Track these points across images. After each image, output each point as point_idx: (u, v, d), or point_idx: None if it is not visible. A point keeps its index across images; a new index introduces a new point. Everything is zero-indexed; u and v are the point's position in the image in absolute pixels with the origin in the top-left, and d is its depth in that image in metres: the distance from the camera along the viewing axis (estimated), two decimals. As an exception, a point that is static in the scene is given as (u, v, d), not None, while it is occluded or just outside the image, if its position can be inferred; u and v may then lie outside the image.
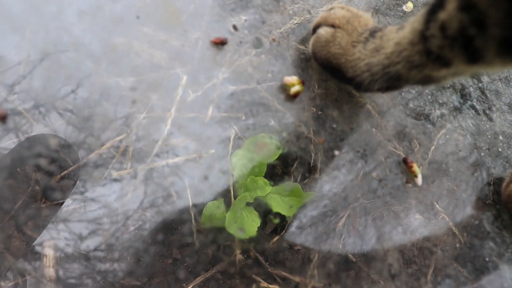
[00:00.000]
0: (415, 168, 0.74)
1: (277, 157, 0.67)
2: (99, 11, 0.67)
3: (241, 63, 0.71)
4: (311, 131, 0.71)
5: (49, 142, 0.59)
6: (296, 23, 0.79)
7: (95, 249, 0.58)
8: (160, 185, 0.61)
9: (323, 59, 0.72)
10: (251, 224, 0.69)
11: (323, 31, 0.72)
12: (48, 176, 0.57)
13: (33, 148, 0.58)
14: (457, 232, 0.76)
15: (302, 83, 0.71)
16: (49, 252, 0.56)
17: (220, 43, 0.70)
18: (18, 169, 0.57)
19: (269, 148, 0.68)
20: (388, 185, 0.73)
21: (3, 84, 0.60)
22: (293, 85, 0.70)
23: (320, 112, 0.73)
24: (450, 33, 0.51)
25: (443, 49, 0.53)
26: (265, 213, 0.66)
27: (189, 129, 0.65)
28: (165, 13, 0.70)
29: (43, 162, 0.58)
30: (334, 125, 0.73)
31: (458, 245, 0.74)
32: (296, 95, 0.71)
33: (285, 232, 0.67)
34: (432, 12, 0.54)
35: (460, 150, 0.82)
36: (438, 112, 0.84)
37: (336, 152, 0.71)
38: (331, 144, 0.71)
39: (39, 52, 0.62)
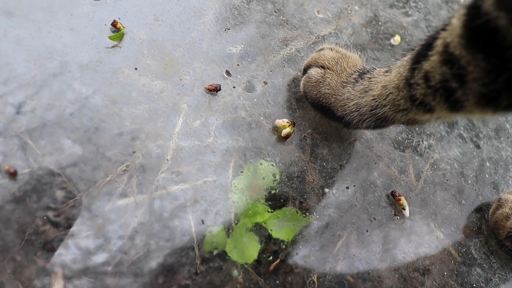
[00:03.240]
0: (403, 201, 0.77)
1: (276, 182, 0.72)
2: (100, 64, 0.71)
3: (234, 108, 0.75)
4: (302, 170, 0.75)
5: (54, 180, 0.64)
6: (287, 65, 0.83)
7: (103, 264, 0.63)
8: (163, 213, 0.66)
9: (313, 99, 0.76)
10: (252, 249, 0.73)
11: (314, 72, 0.76)
12: (56, 208, 0.62)
13: (41, 184, 0.63)
14: (445, 260, 0.79)
15: (293, 124, 0.75)
16: (58, 280, 0.60)
17: (214, 90, 0.74)
18: (27, 199, 0.61)
19: (261, 189, 0.72)
20: (377, 218, 0.77)
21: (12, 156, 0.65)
22: (284, 127, 0.74)
23: (310, 151, 0.77)
24: (433, 83, 0.54)
25: (427, 97, 0.57)
26: (266, 238, 0.71)
27: (185, 175, 0.69)
28: (162, 63, 0.74)
29: (51, 197, 0.63)
30: (324, 163, 0.77)
31: (445, 273, 0.78)
32: (287, 137, 0.75)
33: (285, 256, 0.71)
34: (417, 60, 0.58)
35: (447, 180, 0.86)
36: (425, 143, 0.88)
37: (326, 190, 0.75)
38: (321, 182, 0.75)
39: (44, 107, 0.66)
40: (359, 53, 0.88)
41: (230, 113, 0.75)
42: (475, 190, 0.88)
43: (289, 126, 0.74)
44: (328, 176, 0.76)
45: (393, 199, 0.78)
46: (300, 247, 0.72)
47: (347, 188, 0.76)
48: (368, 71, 0.73)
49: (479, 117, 0.83)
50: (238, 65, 0.78)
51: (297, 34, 0.86)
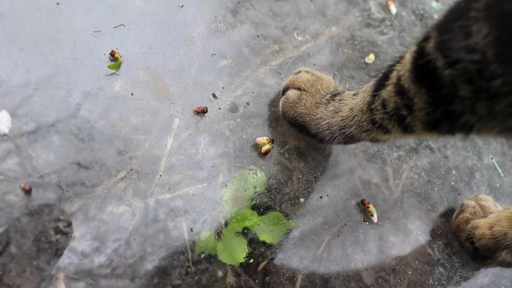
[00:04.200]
0: (371, 208, 0.88)
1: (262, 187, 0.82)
2: (100, 91, 0.82)
3: (220, 128, 0.85)
4: (280, 182, 0.85)
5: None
6: (268, 86, 0.93)
7: (99, 266, 0.73)
8: (156, 221, 0.76)
9: (291, 118, 0.86)
10: (240, 252, 0.84)
11: (291, 93, 0.86)
12: (58, 217, 0.73)
13: (43, 196, 0.73)
14: (410, 260, 0.90)
15: (272, 141, 0.85)
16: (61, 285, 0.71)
17: (201, 112, 0.84)
18: (29, 207, 0.72)
19: (244, 200, 0.83)
20: (348, 224, 0.87)
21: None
22: (264, 144, 0.85)
23: (288, 165, 0.87)
24: (388, 110, 0.64)
25: (384, 121, 0.67)
26: (253, 241, 0.81)
27: (176, 188, 0.80)
28: (155, 89, 0.85)
29: (54, 203, 0.73)
30: (300, 176, 0.87)
31: (410, 272, 0.88)
32: (267, 153, 0.85)
33: (271, 257, 0.81)
34: (377, 88, 0.68)
35: (414, 188, 0.96)
36: (395, 155, 0.98)
37: (302, 199, 0.85)
38: (297, 193, 0.86)
39: (52, 131, 0.77)
40: (335, 72, 0.98)
41: (216, 132, 0.85)
42: (441, 196, 0.98)
43: (268, 143, 0.84)
44: (303, 187, 0.86)
45: (363, 206, 0.88)
46: (285, 249, 0.82)
47: (321, 197, 0.87)
48: (339, 93, 0.82)
49: (429, 138, 0.93)
50: (223, 88, 0.88)
51: (278, 57, 0.96)
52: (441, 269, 0.91)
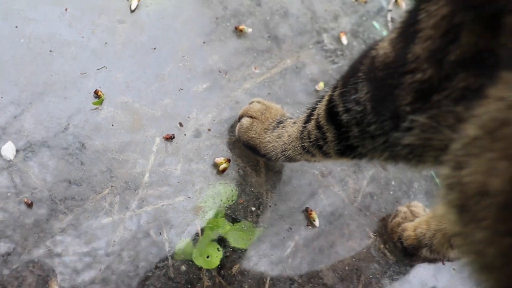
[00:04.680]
0: (313, 214, 1.05)
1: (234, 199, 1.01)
2: (86, 123, 1.01)
3: (185, 151, 1.04)
4: (234, 194, 1.04)
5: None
6: (227, 114, 1.12)
7: (91, 283, 0.92)
8: (141, 227, 0.95)
9: (244, 141, 1.04)
10: (215, 257, 1.02)
11: (244, 121, 1.05)
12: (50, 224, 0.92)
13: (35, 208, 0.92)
14: (349, 259, 1.07)
15: (228, 161, 1.04)
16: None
17: (170, 138, 1.03)
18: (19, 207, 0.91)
19: (204, 211, 1.01)
20: (293, 228, 1.05)
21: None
22: (221, 163, 1.03)
23: (242, 180, 1.06)
24: (312, 140, 0.83)
25: (310, 147, 0.85)
26: (227, 246, 0.99)
27: (155, 202, 0.99)
28: (132, 120, 1.04)
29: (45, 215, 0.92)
30: (252, 189, 1.05)
31: (347, 267, 1.06)
32: (224, 170, 1.03)
33: (243, 261, 0.99)
34: (306, 121, 0.86)
35: (355, 197, 1.14)
36: (339, 169, 1.16)
37: (253, 209, 1.04)
38: (250, 203, 1.04)
39: (47, 157, 0.96)
40: (287, 99, 1.17)
41: (182, 155, 1.04)
42: (380, 204, 1.15)
43: (225, 162, 1.03)
44: (255, 198, 1.04)
45: (306, 213, 1.06)
46: (254, 254, 1.00)
47: (270, 206, 1.05)
48: (283, 121, 1.01)
49: (343, 162, 1.11)
50: (188, 117, 1.07)
51: (237, 89, 1.15)
52: (376, 265, 1.08)
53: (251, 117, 1.04)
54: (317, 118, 0.80)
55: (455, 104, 0.49)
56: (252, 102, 1.08)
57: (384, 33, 1.48)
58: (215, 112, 1.10)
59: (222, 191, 1.02)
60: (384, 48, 0.59)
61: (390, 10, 1.56)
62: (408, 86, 0.53)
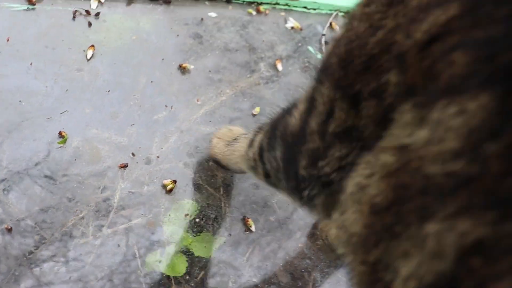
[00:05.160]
0: (250, 222, 1.30)
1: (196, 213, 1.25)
2: (53, 160, 1.26)
3: (137, 176, 1.29)
4: (195, 209, 1.28)
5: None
6: (174, 143, 1.36)
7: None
8: (114, 245, 1.19)
9: (212, 157, 1.29)
10: (181, 266, 1.26)
11: (213, 141, 1.29)
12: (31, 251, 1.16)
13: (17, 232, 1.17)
14: (282, 257, 1.31)
15: (174, 182, 1.29)
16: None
17: (124, 167, 1.28)
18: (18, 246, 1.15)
19: (156, 225, 1.26)
20: (232, 234, 1.29)
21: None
22: (168, 184, 1.28)
23: (184, 201, 1.30)
24: (252, 161, 1.06)
25: (255, 166, 1.08)
26: (191, 256, 1.23)
27: (123, 221, 1.23)
28: (91, 154, 1.28)
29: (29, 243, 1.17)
30: (210, 201, 1.30)
31: (281, 263, 1.30)
32: (171, 190, 1.28)
33: (207, 268, 1.23)
34: (249, 145, 1.07)
35: (288, 204, 1.38)
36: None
37: (197, 220, 1.28)
38: (209, 216, 1.28)
39: (20, 197, 1.21)
40: (227, 124, 1.41)
41: (135, 180, 1.28)
42: (311, 208, 1.39)
43: (172, 183, 1.28)
44: (199, 211, 1.29)
45: (244, 221, 1.31)
46: (216, 261, 1.25)
47: (227, 216, 1.29)
48: (238, 138, 1.24)
49: None
50: (139, 147, 1.32)
51: (182, 120, 1.40)
52: (308, 261, 1.32)
53: (218, 138, 1.29)
54: (253, 151, 0.99)
55: (332, 171, 0.60)
56: (220, 128, 1.32)
57: (319, 56, 1.73)
58: (163, 141, 1.35)
59: (182, 207, 1.26)
60: (295, 118, 0.69)
61: (324, 35, 1.81)
62: (304, 152, 0.64)
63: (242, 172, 1.23)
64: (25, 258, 1.15)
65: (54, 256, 1.16)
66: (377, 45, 0.53)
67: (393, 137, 0.47)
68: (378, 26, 0.53)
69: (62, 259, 1.16)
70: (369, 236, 0.48)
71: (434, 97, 0.43)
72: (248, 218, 1.30)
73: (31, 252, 1.16)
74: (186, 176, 1.32)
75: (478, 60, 0.39)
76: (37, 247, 1.16)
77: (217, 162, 1.29)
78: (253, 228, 1.30)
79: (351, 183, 0.53)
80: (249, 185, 1.37)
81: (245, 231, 1.30)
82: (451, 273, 0.37)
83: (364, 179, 0.50)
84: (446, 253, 0.37)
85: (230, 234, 1.29)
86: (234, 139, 1.24)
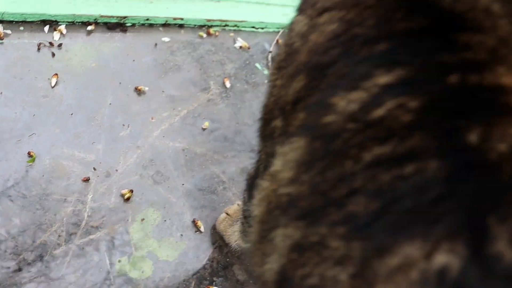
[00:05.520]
0: (199, 223, 1.53)
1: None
2: (26, 177, 1.48)
3: (99, 188, 1.52)
4: (159, 216, 1.51)
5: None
6: (128, 160, 1.59)
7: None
8: (88, 254, 1.41)
9: (216, 230, 1.52)
10: (147, 269, 1.49)
11: (222, 216, 1.53)
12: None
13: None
14: (193, 257, 1.54)
15: (131, 191, 1.51)
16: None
17: (86, 180, 1.51)
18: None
19: (116, 232, 1.49)
20: (184, 234, 1.52)
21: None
22: (126, 194, 1.51)
23: (165, 204, 1.53)
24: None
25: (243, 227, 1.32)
26: (157, 259, 1.46)
27: (93, 231, 1.46)
28: (57, 170, 1.51)
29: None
30: (175, 209, 1.53)
31: (192, 261, 1.53)
32: (128, 199, 1.51)
33: (171, 270, 1.46)
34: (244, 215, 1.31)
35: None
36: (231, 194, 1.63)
37: (175, 227, 1.51)
38: (172, 223, 1.51)
39: (-3, 207, 1.43)
40: (179, 139, 1.64)
41: (97, 192, 1.51)
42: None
43: (129, 192, 1.51)
44: (177, 218, 1.52)
45: (194, 223, 1.54)
46: (179, 263, 1.47)
47: (165, 221, 1.52)
48: (238, 218, 1.48)
49: None
50: (100, 163, 1.55)
51: (138, 138, 1.63)
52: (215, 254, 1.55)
53: (227, 214, 1.52)
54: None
55: None
56: (232, 206, 1.56)
57: (265, 72, 1.97)
58: (121, 156, 1.58)
59: (144, 214, 1.49)
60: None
61: (270, 52, 2.05)
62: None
63: (240, 248, 1.47)
64: (7, 283, 1.36)
65: (36, 277, 1.38)
66: (273, 99, 0.73)
67: (271, 167, 0.65)
68: (273, 85, 0.75)
69: (43, 278, 1.38)
70: (258, 235, 0.68)
71: (286, 136, 0.66)
72: (197, 220, 1.53)
73: (14, 273, 1.38)
74: (142, 186, 1.55)
75: (305, 118, 0.62)
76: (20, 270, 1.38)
77: (220, 237, 1.52)
78: (202, 229, 1.53)
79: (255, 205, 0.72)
80: (197, 191, 1.60)
81: (195, 231, 1.54)
82: (284, 265, 0.54)
83: (257, 201, 0.68)
84: (282, 251, 0.54)
85: (181, 235, 1.52)
86: (239, 219, 1.47)
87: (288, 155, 0.57)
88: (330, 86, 0.53)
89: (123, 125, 1.63)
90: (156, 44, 1.84)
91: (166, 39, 1.87)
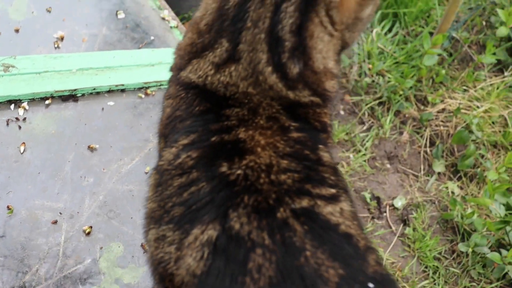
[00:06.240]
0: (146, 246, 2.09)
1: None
2: (5, 226, 2.03)
3: (65, 228, 2.07)
4: (121, 248, 2.06)
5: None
6: (87, 201, 2.16)
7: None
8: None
9: None
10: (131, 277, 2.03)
11: None
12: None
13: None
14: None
15: (91, 227, 2.07)
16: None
17: (55, 223, 2.06)
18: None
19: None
20: (142, 258, 2.08)
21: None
22: (87, 229, 2.07)
23: (125, 237, 2.09)
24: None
25: None
26: (124, 284, 2.00)
27: (72, 265, 2.00)
28: (32, 218, 2.06)
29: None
30: (133, 240, 2.09)
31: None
32: (89, 233, 2.07)
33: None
34: None
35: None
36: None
37: (135, 255, 2.07)
38: (133, 252, 2.07)
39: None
40: (143, 178, 2.22)
41: (64, 231, 2.06)
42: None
43: (89, 228, 2.06)
44: (134, 247, 2.07)
45: (143, 247, 2.09)
46: (143, 285, 2.02)
47: (124, 249, 2.08)
48: None
49: None
50: (65, 208, 2.11)
51: (95, 185, 2.19)
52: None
53: None
54: None
55: None
56: None
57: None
58: (81, 201, 2.14)
59: (110, 247, 2.04)
60: None
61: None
62: None
63: None
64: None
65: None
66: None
67: None
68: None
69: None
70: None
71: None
72: (144, 244, 2.10)
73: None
74: (100, 222, 2.11)
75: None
76: None
77: None
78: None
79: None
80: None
81: (144, 252, 2.10)
82: (152, 251, 1.03)
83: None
84: (151, 242, 1.16)
85: (139, 259, 2.08)
86: None
87: (150, 181, 1.15)
88: (167, 144, 1.13)
89: (81, 177, 2.20)
90: (103, 108, 2.43)
91: (111, 103, 2.46)
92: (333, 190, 0.94)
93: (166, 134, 1.15)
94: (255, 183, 0.91)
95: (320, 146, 1.02)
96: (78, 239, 2.05)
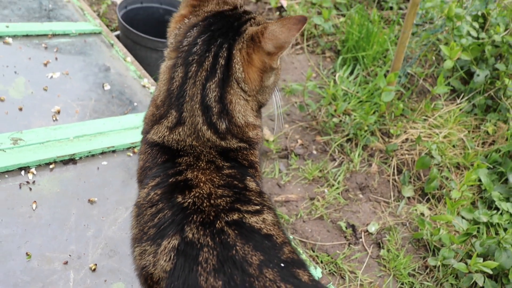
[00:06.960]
0: (144, 277, 2.68)
1: None
2: (26, 271, 2.63)
3: (75, 266, 2.67)
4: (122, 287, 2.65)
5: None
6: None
7: None
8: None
9: None
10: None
11: None
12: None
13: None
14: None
15: (96, 264, 2.67)
16: None
17: (66, 263, 2.66)
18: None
19: None
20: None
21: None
22: (92, 266, 2.66)
23: (108, 278, 2.68)
24: None
25: None
26: None
27: (62, 295, 2.58)
28: (46, 261, 2.66)
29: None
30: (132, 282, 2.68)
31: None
32: (95, 270, 2.66)
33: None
34: None
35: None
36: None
37: None
38: None
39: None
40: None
41: (74, 269, 2.66)
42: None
43: (94, 265, 2.66)
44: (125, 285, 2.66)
45: (140, 277, 2.69)
46: None
47: (127, 282, 2.67)
48: None
49: None
50: (73, 250, 2.71)
51: (96, 231, 2.80)
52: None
53: None
54: None
55: None
56: None
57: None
58: (85, 246, 2.74)
59: (113, 281, 2.63)
60: None
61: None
62: None
63: None
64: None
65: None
66: None
67: None
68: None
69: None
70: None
71: None
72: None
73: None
74: (103, 261, 2.70)
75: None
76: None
77: None
78: None
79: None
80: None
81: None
82: (138, 262, 1.53)
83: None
84: (136, 256, 1.73)
85: (132, 286, 2.66)
86: None
87: (132, 213, 1.76)
88: (142, 187, 1.75)
89: (84, 225, 2.81)
90: (98, 168, 3.07)
91: (105, 162, 3.11)
92: (257, 207, 1.38)
93: (141, 179, 1.77)
94: (200, 207, 1.35)
95: (248, 177, 1.49)
96: (86, 275, 2.63)
